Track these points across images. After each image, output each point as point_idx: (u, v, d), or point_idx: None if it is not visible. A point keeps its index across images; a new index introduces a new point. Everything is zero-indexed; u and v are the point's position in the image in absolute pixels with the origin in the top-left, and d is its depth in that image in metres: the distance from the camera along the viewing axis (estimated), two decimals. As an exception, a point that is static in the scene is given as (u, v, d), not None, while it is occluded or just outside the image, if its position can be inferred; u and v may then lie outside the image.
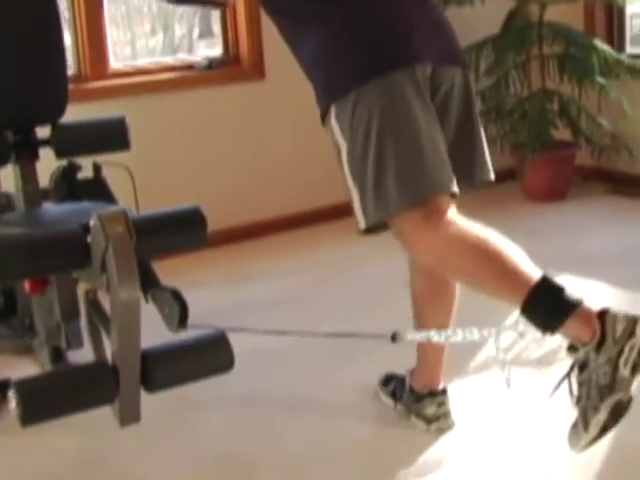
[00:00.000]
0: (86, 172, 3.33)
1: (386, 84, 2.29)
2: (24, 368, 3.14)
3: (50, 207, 3.14)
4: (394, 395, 2.86)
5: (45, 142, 3.16)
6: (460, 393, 2.86)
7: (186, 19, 6.70)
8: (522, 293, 2.15)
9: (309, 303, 3.83)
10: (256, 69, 4.68)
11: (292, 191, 4.83)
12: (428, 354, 2.73)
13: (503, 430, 2.75)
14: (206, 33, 6.83)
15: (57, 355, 3.07)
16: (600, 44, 4.92)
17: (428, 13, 2.45)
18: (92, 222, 2.44)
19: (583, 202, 5.10)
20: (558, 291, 2.14)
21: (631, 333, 2.09)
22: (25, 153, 3.11)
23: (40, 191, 3.16)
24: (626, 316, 2.11)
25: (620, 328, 2.10)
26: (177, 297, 3.05)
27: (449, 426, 2.74)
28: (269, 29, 4.58)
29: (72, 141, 3.20)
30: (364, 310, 3.65)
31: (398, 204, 2.26)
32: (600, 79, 4.83)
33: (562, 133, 5.07)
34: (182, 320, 3.05)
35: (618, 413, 2.13)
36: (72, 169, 3.27)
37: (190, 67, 4.66)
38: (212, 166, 4.63)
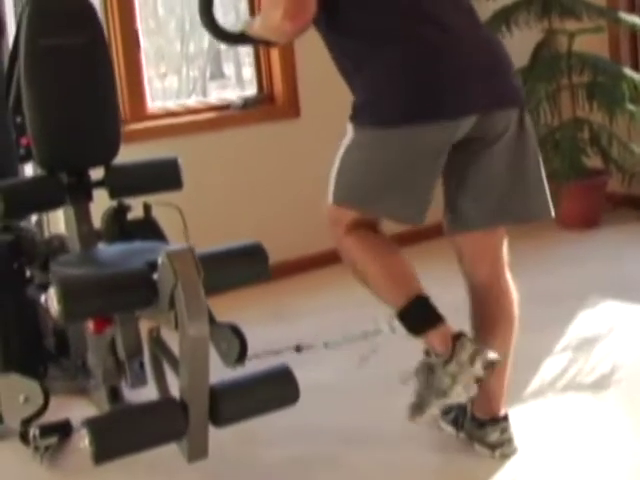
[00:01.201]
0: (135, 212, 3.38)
1: (406, 137, 2.46)
2: (81, 409, 3.15)
3: (105, 248, 3.17)
4: (456, 423, 2.87)
5: (99, 183, 3.20)
6: (519, 419, 2.86)
7: (197, 62, 6.77)
8: (400, 300, 2.55)
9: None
10: (291, 107, 4.74)
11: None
12: (490, 381, 2.74)
13: (565, 453, 2.76)
14: (217, 74, 6.91)
15: (115, 395, 3.08)
16: (629, 72, 4.97)
17: (489, 53, 2.54)
18: (160, 260, 2.47)
19: (617, 229, 5.13)
20: (428, 308, 2.55)
21: (472, 362, 2.46)
22: (79, 195, 3.15)
23: (95, 232, 3.19)
24: (472, 345, 2.48)
25: (465, 355, 2.47)
26: (236, 332, 3.09)
27: (512, 452, 2.75)
28: (303, 67, 4.71)
29: (126, 182, 3.23)
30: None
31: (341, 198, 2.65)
32: (631, 106, 4.87)
33: (592, 161, 5.10)
34: (241, 355, 3.09)
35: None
36: (122, 210, 3.30)
37: (225, 107, 4.71)
38: (251, 204, 4.68)
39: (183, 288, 2.41)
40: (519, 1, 4.99)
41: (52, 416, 3.06)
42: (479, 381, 2.52)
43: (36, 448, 2.92)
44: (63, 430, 3.03)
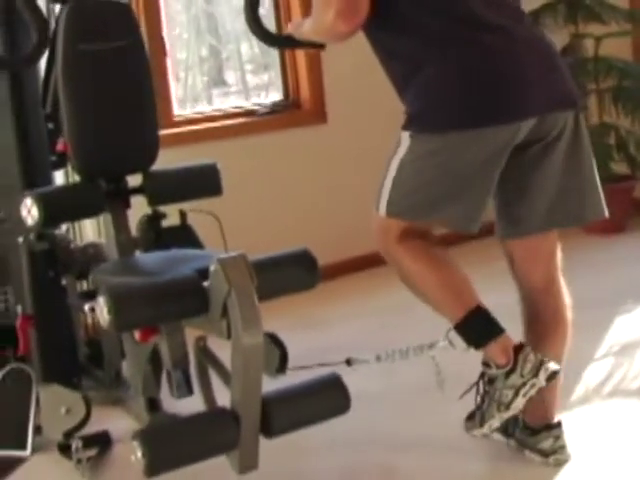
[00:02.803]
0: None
1: (467, 142, 2.41)
2: (117, 420, 3.11)
3: (144, 256, 3.11)
4: (506, 431, 2.81)
5: (137, 190, 3.15)
6: (567, 426, 2.80)
7: (199, 69, 6.70)
8: (459, 312, 2.52)
9: (383, 346, 3.76)
10: (318, 113, 4.70)
11: (356, 234, 4.78)
12: (544, 389, 2.70)
13: (618, 460, 2.72)
14: (218, 82, 6.85)
15: (153, 406, 3.02)
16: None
17: (544, 55, 2.51)
18: (212, 267, 2.42)
19: (643, 234, 5.10)
20: (488, 320, 2.52)
21: (536, 373, 2.46)
22: (117, 202, 3.10)
23: (133, 240, 3.14)
24: (536, 356, 2.47)
25: (529, 366, 2.46)
26: (276, 342, 3.04)
27: (566, 458, 2.71)
28: (329, 73, 4.66)
29: (165, 188, 3.18)
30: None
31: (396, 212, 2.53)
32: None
33: (618, 166, 5.06)
34: (282, 365, 3.04)
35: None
36: (157, 217, 3.25)
37: (251, 113, 4.67)
38: (280, 210, 4.64)
39: (237, 296, 2.36)
40: (545, 5, 4.95)
41: (87, 427, 3.01)
42: (539, 392, 2.51)
43: (79, 460, 2.86)
44: (103, 441, 2.99)
